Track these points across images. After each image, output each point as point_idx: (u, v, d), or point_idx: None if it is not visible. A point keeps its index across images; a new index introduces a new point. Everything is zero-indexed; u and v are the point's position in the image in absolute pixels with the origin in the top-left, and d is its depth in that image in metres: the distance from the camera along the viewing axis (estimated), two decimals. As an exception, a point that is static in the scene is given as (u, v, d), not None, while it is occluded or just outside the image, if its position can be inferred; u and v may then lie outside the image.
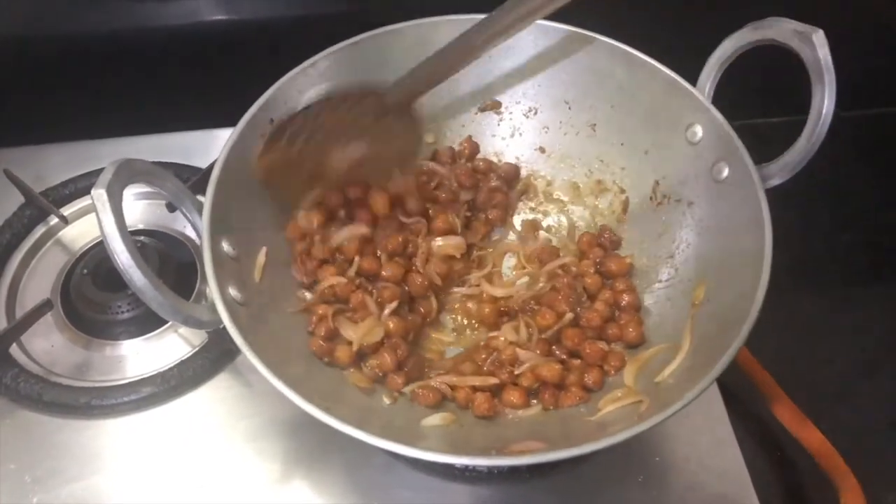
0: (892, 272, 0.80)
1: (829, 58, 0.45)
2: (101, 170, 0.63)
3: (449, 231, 0.54)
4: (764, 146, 0.50)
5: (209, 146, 0.67)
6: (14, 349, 0.55)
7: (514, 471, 0.50)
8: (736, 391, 0.58)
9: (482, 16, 0.56)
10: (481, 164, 0.60)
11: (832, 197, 0.82)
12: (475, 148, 0.61)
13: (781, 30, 0.47)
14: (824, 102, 0.46)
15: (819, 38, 0.45)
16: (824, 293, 0.78)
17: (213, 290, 0.43)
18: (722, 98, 0.52)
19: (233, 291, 0.44)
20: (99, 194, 0.39)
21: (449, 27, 0.55)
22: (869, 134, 0.85)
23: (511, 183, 0.60)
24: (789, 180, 0.49)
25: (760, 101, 0.73)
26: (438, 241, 0.54)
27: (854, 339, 0.73)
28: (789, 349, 0.71)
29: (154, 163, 0.45)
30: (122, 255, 0.39)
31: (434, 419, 0.46)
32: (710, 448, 0.52)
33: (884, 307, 0.75)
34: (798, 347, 0.72)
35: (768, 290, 0.42)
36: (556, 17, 0.55)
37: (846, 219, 0.81)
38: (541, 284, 0.54)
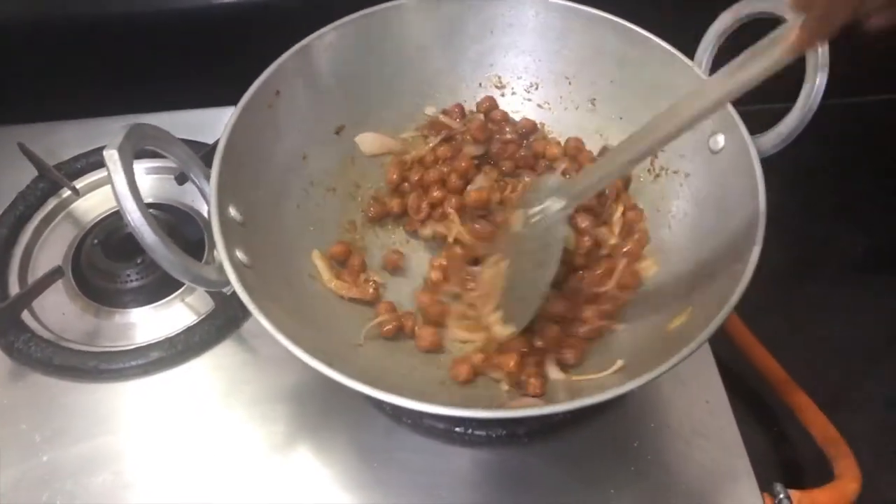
0: (890, 259, 0.81)
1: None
2: (112, 144, 0.66)
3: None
4: (759, 129, 0.51)
5: (217, 123, 0.68)
6: (27, 317, 0.57)
7: (512, 435, 0.51)
8: (733, 367, 0.59)
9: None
10: (497, 114, 0.60)
11: (831, 184, 0.82)
12: (493, 104, 0.61)
13: (777, 2, 0.48)
14: (817, 74, 0.48)
15: (813, 9, 0.46)
16: (823, 279, 0.79)
17: (220, 250, 0.44)
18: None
19: (239, 254, 0.45)
20: (111, 154, 0.40)
21: (451, 3, 0.57)
22: (869, 121, 0.85)
23: (527, 136, 0.61)
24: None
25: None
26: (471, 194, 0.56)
27: (852, 322, 0.74)
28: (787, 331, 0.72)
29: (162, 134, 0.46)
30: (133, 214, 0.40)
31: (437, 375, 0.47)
32: (704, 417, 0.52)
33: (878, 292, 0.76)
34: (796, 329, 0.73)
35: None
36: (556, -7, 0.57)
37: (844, 206, 0.82)
38: None
